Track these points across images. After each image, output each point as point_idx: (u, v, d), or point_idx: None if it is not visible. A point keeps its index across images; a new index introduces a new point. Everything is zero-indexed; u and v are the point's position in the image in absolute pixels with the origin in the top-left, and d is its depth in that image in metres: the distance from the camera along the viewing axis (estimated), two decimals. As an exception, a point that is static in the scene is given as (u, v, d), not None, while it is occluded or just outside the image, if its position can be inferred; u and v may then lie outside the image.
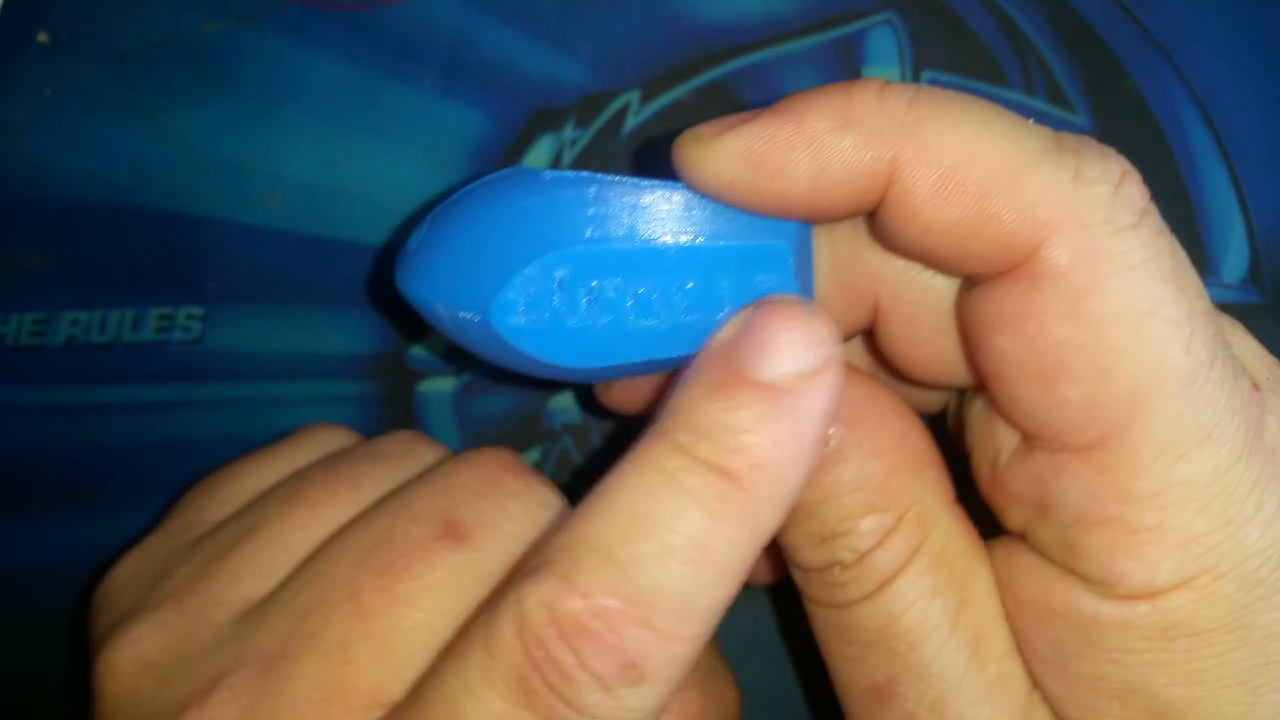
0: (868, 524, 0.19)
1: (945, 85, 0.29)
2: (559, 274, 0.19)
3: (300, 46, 0.30)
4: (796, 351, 0.18)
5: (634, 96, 0.29)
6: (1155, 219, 0.17)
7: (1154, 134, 0.28)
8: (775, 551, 0.26)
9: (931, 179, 0.17)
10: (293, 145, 0.30)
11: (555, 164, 0.30)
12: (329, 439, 0.27)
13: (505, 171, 0.20)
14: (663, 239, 0.19)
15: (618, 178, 0.19)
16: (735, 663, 0.24)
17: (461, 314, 0.20)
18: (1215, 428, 0.17)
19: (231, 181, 0.30)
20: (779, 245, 0.20)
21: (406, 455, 0.25)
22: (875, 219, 0.19)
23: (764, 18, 0.29)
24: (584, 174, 0.20)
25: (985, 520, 0.20)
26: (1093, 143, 0.18)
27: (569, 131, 0.30)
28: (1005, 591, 0.20)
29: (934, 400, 0.24)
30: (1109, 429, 0.17)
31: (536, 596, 0.17)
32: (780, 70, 0.29)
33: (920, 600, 0.19)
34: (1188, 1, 0.29)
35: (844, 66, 0.29)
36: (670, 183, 0.19)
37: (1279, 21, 0.28)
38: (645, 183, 0.19)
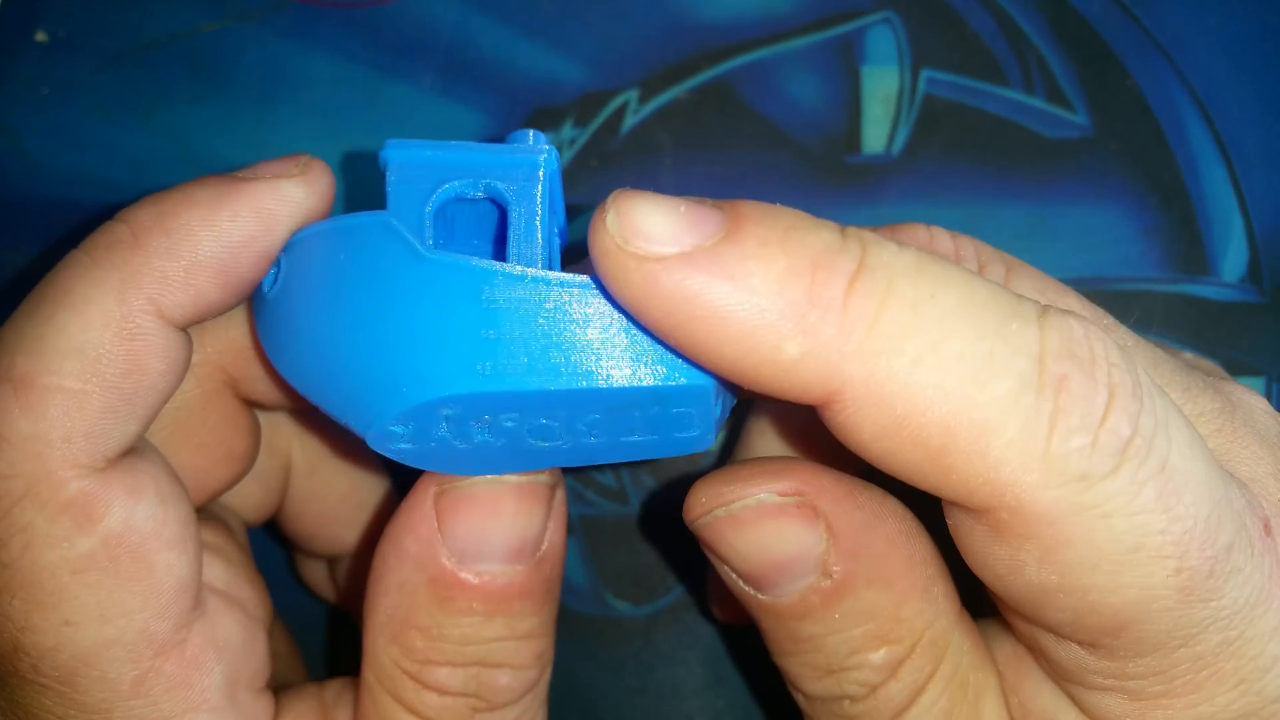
0: (880, 656, 0.18)
1: (945, 84, 0.29)
2: (445, 413, 0.16)
3: (299, 46, 0.30)
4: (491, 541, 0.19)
5: (633, 95, 0.29)
6: (1143, 438, 0.15)
7: (1154, 134, 0.28)
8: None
9: (881, 422, 0.15)
10: (292, 145, 0.30)
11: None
12: None
13: (373, 227, 0.17)
14: (568, 378, 0.16)
15: (520, 268, 0.16)
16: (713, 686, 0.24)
17: (333, 414, 0.18)
18: (1222, 614, 0.16)
19: (230, 181, 0.30)
20: (701, 385, 0.17)
21: None
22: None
23: (763, 16, 0.29)
24: (475, 265, 0.16)
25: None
26: (1084, 351, 0.15)
27: (568, 130, 0.30)
28: (1011, 695, 0.19)
29: None
30: (1099, 637, 0.16)
31: None
32: (779, 69, 0.29)
33: None
34: (1187, 1, 0.29)
35: (843, 66, 0.29)
36: (585, 283, 0.16)
37: (1279, 21, 0.28)
38: (554, 280, 0.16)
